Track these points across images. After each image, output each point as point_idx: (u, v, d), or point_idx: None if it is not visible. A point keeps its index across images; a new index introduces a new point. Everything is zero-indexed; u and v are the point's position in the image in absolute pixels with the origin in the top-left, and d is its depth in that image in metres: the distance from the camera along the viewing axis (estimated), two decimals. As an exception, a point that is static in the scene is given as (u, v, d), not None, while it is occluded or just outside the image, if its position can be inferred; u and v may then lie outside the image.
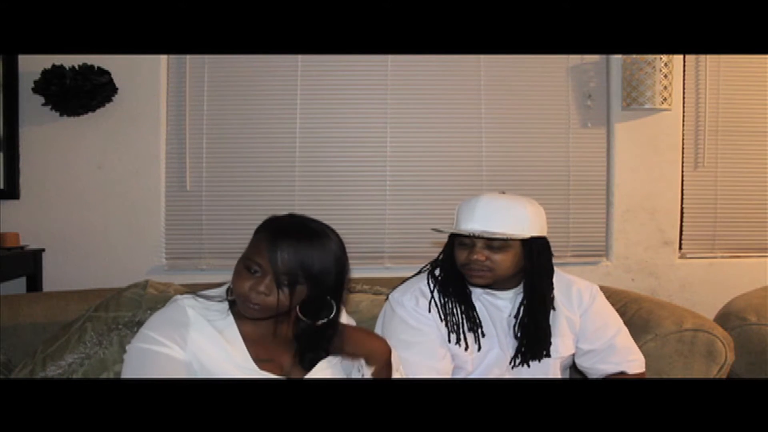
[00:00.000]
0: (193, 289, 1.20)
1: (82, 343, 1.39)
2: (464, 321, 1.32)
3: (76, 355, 1.36)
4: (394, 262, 2.49)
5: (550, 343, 1.33)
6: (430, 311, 1.32)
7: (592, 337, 1.37)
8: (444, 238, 1.41)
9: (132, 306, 1.47)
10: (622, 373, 1.34)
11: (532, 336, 1.31)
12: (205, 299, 1.14)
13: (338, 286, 1.13)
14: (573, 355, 1.40)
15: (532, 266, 1.30)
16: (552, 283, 1.35)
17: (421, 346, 1.29)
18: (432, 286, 1.35)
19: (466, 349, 1.32)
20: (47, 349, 1.40)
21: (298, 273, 1.06)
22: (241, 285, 1.07)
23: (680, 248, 2.60)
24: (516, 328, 1.33)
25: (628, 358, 1.35)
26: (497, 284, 1.32)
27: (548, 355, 1.33)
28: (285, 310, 1.08)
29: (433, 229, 1.38)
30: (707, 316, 1.59)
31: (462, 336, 1.31)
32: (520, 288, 1.35)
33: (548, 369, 1.35)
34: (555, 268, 1.38)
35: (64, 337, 1.42)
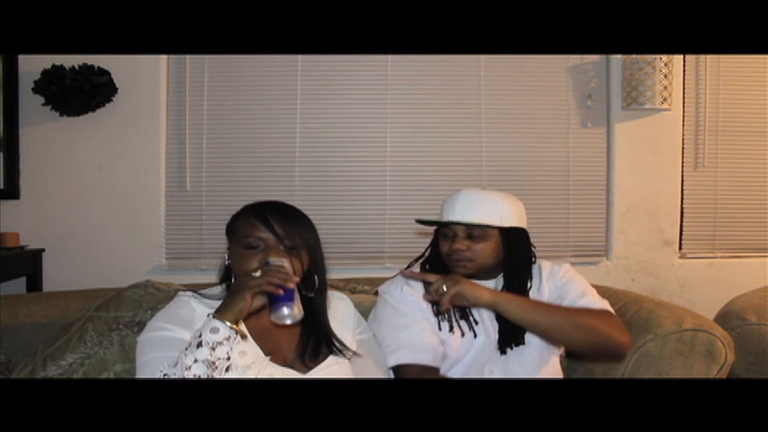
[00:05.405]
0: (194, 289, 1.22)
1: (83, 343, 1.39)
2: (454, 309, 1.37)
3: (76, 355, 1.37)
4: (394, 262, 2.48)
5: (524, 331, 1.36)
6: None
7: (563, 291, 1.40)
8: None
9: (133, 306, 1.47)
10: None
11: (509, 323, 1.33)
12: (205, 297, 1.15)
13: (323, 257, 1.19)
14: None
15: (511, 256, 1.38)
16: (531, 272, 1.42)
17: (411, 328, 1.34)
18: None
19: (462, 335, 1.36)
20: (48, 349, 1.40)
21: (296, 237, 1.10)
22: (248, 265, 1.07)
23: (680, 248, 2.60)
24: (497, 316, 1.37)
25: (597, 300, 1.38)
26: (479, 274, 1.38)
27: (522, 343, 1.36)
28: (299, 277, 1.10)
29: (416, 221, 1.46)
30: (707, 316, 1.59)
31: (456, 323, 1.36)
32: (501, 278, 1.41)
33: (533, 350, 1.38)
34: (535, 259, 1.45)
35: (64, 337, 1.42)
